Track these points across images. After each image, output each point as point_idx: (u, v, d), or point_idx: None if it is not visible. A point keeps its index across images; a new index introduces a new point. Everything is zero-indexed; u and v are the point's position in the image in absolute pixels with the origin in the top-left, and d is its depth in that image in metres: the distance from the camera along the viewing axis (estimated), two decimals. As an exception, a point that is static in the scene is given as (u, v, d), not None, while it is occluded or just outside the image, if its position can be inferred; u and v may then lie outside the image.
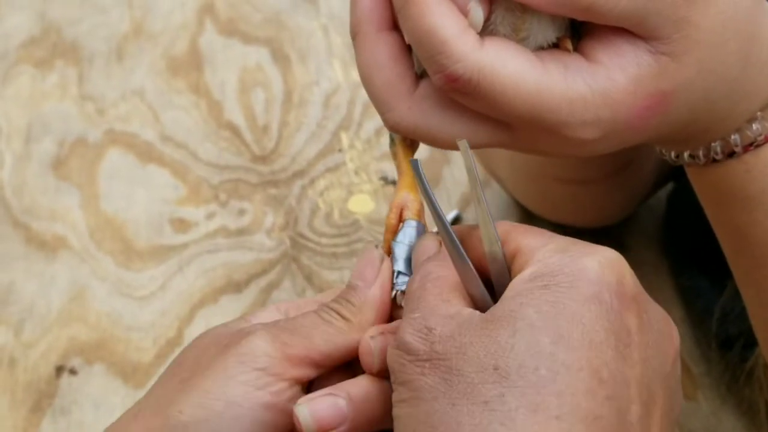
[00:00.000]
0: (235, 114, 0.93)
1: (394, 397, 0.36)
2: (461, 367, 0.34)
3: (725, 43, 0.40)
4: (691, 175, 0.47)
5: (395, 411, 0.36)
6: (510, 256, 0.39)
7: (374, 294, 0.42)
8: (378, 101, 0.42)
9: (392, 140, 0.47)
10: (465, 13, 0.39)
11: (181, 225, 0.83)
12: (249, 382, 0.39)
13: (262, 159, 0.89)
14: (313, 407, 0.38)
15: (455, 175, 0.87)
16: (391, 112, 0.42)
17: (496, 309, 0.36)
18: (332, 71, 0.96)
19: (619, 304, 0.35)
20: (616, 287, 0.35)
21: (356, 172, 0.87)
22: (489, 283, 0.40)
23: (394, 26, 0.41)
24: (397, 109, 0.42)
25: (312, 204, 0.85)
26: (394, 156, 0.48)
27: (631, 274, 0.37)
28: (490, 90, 0.38)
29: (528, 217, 0.81)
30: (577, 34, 0.41)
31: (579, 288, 0.35)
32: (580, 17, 0.39)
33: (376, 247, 0.44)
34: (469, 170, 0.39)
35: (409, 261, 0.43)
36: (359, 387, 0.39)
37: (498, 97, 0.39)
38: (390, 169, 0.87)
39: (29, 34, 1.01)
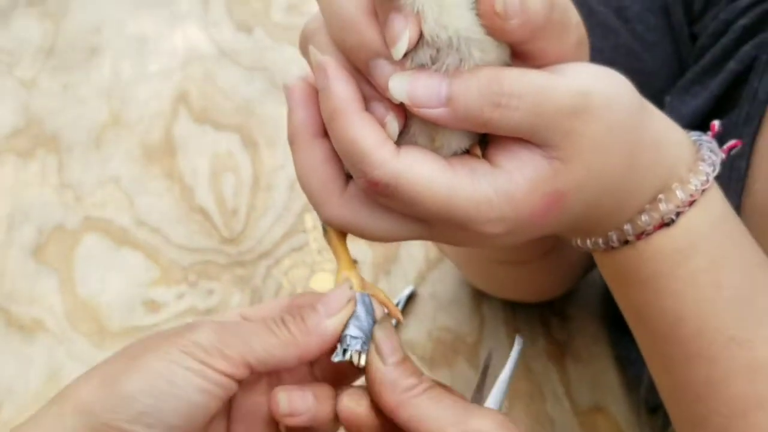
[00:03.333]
0: (205, 198, 0.99)
1: None
2: None
3: (610, 149, 0.46)
4: (596, 258, 0.53)
5: None
6: None
7: (330, 325, 0.47)
8: (313, 199, 0.48)
9: (325, 230, 0.52)
10: (383, 125, 0.45)
11: (152, 306, 0.88)
12: (189, 369, 0.44)
13: (231, 241, 0.94)
14: None
15: (412, 253, 0.92)
16: (325, 209, 0.47)
17: None
18: (298, 156, 1.02)
19: None
20: None
21: (319, 252, 0.92)
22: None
23: (326, 133, 0.47)
24: (330, 205, 0.47)
25: (276, 283, 0.90)
26: (329, 242, 0.53)
27: None
28: (405, 193, 0.44)
29: (478, 293, 0.87)
30: (485, 141, 0.47)
31: None
32: (481, 131, 0.44)
33: (351, 288, 0.49)
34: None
35: (357, 325, 0.48)
36: None
37: (413, 199, 0.44)
38: (350, 248, 0.92)
39: (13, 126, 1.07)
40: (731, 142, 0.55)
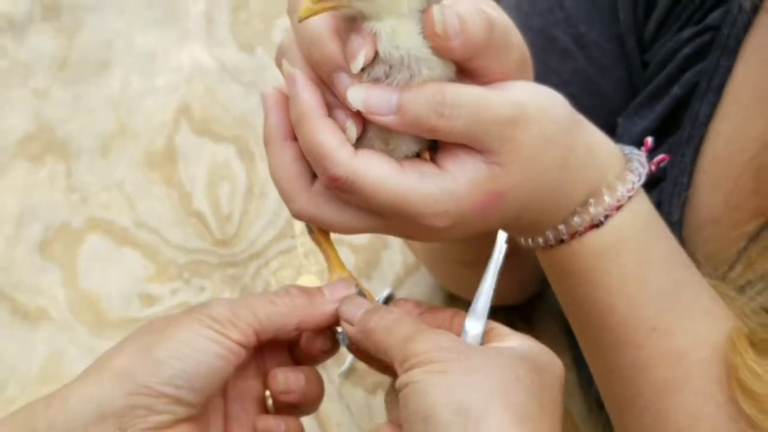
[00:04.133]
0: (202, 204, 1.06)
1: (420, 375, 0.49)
2: (485, 366, 0.48)
3: (543, 155, 0.52)
4: (538, 256, 0.59)
5: (421, 383, 0.48)
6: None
7: (330, 308, 0.55)
8: (284, 195, 0.54)
9: (310, 229, 0.58)
10: (344, 130, 0.51)
11: (148, 300, 0.95)
12: (209, 338, 0.51)
13: (224, 243, 1.01)
14: None
15: (392, 258, 0.99)
16: (294, 203, 0.54)
17: (503, 349, 0.51)
18: (291, 167, 1.09)
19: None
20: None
21: (305, 256, 0.99)
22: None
23: (296, 137, 0.53)
24: (298, 201, 0.54)
25: (265, 282, 0.96)
26: (316, 242, 0.59)
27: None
28: (361, 189, 0.51)
29: (451, 297, 0.93)
30: (435, 147, 0.53)
31: (557, 369, 0.52)
32: (428, 136, 0.51)
33: (355, 286, 0.56)
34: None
35: None
36: None
37: (367, 194, 0.51)
38: (334, 253, 0.99)
39: (25, 132, 1.15)
40: (660, 156, 0.62)
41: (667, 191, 0.71)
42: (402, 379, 0.49)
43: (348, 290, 0.55)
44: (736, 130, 0.68)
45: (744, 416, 0.54)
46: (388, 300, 0.95)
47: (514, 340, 0.53)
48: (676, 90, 0.71)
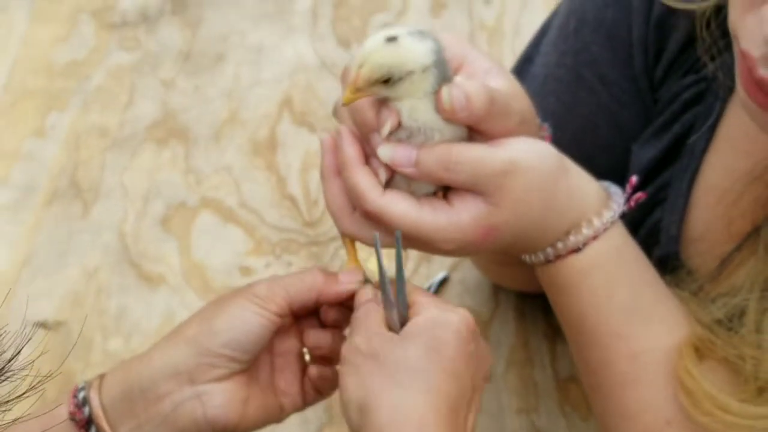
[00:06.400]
0: (295, 188, 1.24)
1: (342, 371, 0.67)
2: (386, 360, 0.65)
3: (530, 198, 0.68)
4: (534, 269, 0.75)
5: (342, 379, 0.67)
6: (410, 303, 0.70)
7: (339, 289, 0.72)
8: (333, 216, 0.72)
9: (342, 235, 0.76)
10: (376, 174, 0.68)
11: (246, 271, 1.14)
12: (254, 312, 0.70)
13: (310, 224, 1.20)
14: None
15: (451, 245, 1.15)
16: (340, 223, 0.71)
17: (406, 333, 0.67)
18: (373, 158, 1.26)
19: (468, 337, 0.66)
20: (466, 331, 0.67)
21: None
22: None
23: None
24: (344, 222, 0.71)
25: (341, 261, 1.15)
26: (344, 243, 0.76)
27: (473, 322, 0.68)
28: (387, 220, 0.68)
29: (494, 286, 1.10)
30: (447, 188, 0.70)
31: (450, 330, 0.66)
32: (439, 183, 0.67)
33: (363, 275, 0.74)
34: (398, 257, 0.69)
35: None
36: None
37: (392, 223, 0.68)
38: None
39: (153, 119, 1.35)
40: (637, 195, 0.76)
41: (668, 210, 0.85)
42: None
43: (356, 276, 0.73)
44: (725, 163, 0.81)
45: (682, 408, 0.69)
46: (444, 281, 1.12)
47: (423, 313, 0.68)
48: (677, 128, 0.84)
